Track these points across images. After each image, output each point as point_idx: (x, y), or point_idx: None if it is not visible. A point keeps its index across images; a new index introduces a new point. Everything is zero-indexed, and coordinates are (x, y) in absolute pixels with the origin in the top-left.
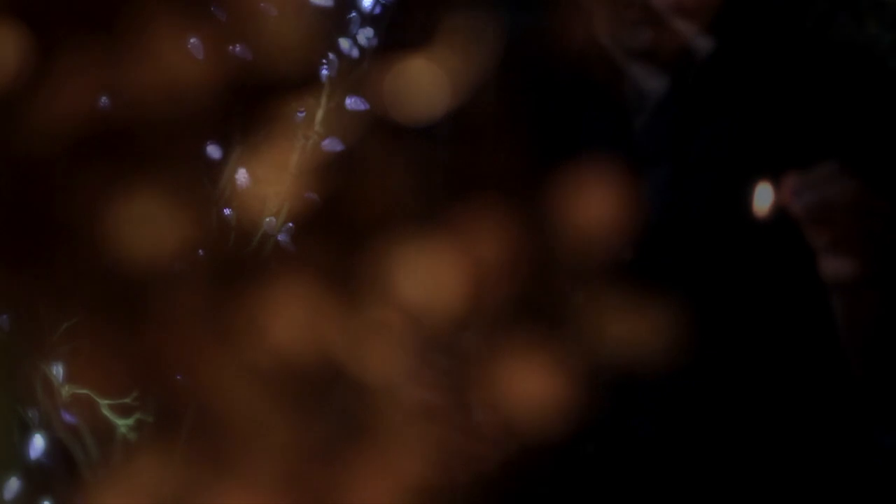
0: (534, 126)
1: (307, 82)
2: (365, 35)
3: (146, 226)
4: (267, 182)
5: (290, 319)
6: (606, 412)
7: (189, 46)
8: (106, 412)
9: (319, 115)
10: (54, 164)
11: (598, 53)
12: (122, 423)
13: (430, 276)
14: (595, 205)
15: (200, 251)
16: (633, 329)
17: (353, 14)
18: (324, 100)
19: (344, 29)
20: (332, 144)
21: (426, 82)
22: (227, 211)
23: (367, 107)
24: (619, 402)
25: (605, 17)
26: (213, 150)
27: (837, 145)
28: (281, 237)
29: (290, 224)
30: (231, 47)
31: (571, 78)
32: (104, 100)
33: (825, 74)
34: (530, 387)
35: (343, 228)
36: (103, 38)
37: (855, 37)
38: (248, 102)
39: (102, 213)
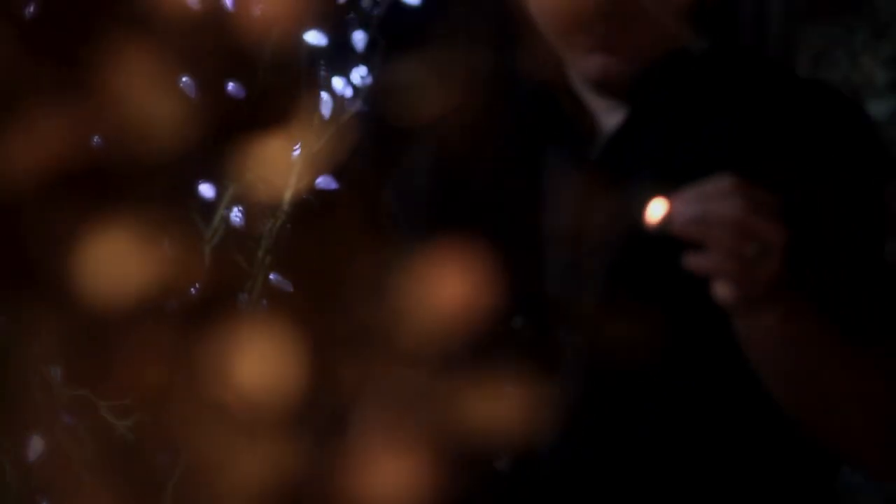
0: (495, 164)
1: (301, 121)
2: (359, 74)
3: (121, 265)
4: (261, 219)
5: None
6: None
7: (181, 85)
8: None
9: (313, 153)
10: (29, 203)
11: (563, 86)
12: (122, 424)
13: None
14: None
15: (186, 290)
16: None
17: (347, 53)
18: (318, 139)
19: (338, 68)
20: (325, 182)
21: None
22: (218, 247)
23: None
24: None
25: (562, 46)
26: (206, 189)
27: (788, 179)
28: (272, 276)
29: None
30: (223, 85)
31: (536, 112)
32: (83, 137)
33: (783, 108)
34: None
35: (326, 267)
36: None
37: (850, 74)
38: (242, 141)
39: (77, 251)
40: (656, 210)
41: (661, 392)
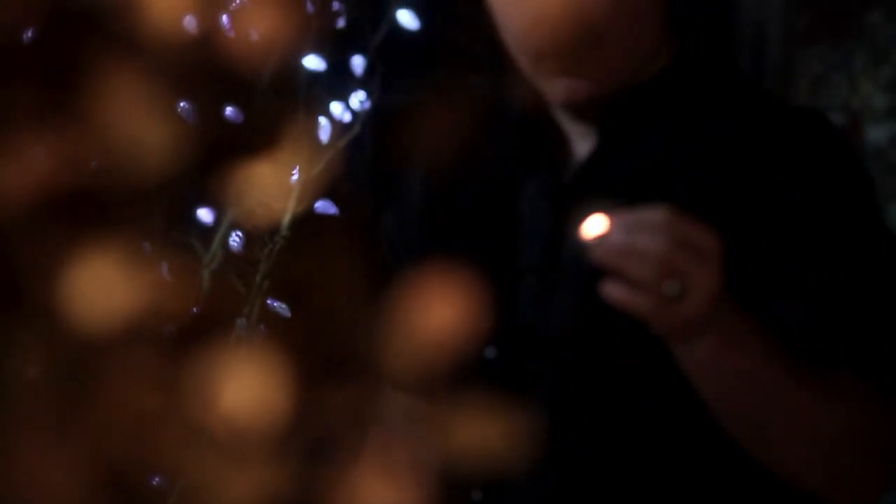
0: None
1: (299, 146)
2: (358, 99)
3: (112, 291)
4: (259, 243)
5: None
6: None
7: (179, 110)
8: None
9: (311, 178)
10: (19, 227)
11: (543, 112)
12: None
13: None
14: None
15: (183, 315)
16: (496, 429)
17: (346, 77)
18: (316, 163)
19: (336, 93)
20: (324, 207)
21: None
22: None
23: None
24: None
25: (531, 71)
26: (205, 214)
27: (755, 210)
28: (270, 301)
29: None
30: (221, 110)
31: (517, 139)
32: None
33: (758, 138)
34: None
35: (318, 292)
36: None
37: (849, 98)
38: (240, 166)
39: (67, 277)
40: (592, 227)
41: (632, 420)
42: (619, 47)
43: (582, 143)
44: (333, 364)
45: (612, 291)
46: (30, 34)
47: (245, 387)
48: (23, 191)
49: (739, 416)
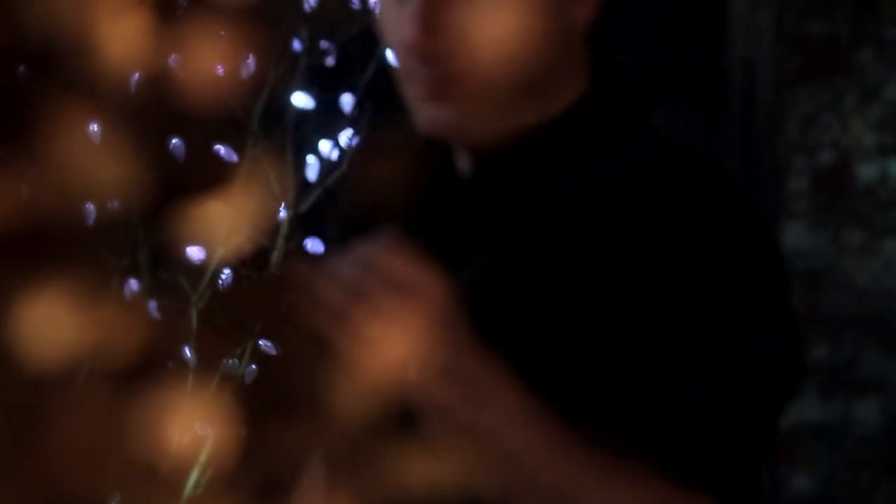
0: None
1: (286, 183)
2: (346, 136)
3: (58, 331)
4: (248, 281)
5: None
6: None
7: (171, 147)
8: None
9: (300, 216)
10: None
11: (435, 140)
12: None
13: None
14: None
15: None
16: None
17: (335, 115)
18: (304, 201)
19: (325, 130)
20: (314, 246)
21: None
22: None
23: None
24: None
25: (405, 96)
26: (194, 252)
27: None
28: (261, 341)
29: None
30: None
31: (418, 168)
32: (26, 200)
33: (646, 200)
34: None
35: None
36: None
37: (839, 137)
38: (227, 203)
39: (17, 317)
40: (313, 248)
41: None
42: (493, 73)
43: (466, 167)
44: (284, 401)
45: (318, 320)
46: None
47: (194, 424)
48: None
49: (499, 479)
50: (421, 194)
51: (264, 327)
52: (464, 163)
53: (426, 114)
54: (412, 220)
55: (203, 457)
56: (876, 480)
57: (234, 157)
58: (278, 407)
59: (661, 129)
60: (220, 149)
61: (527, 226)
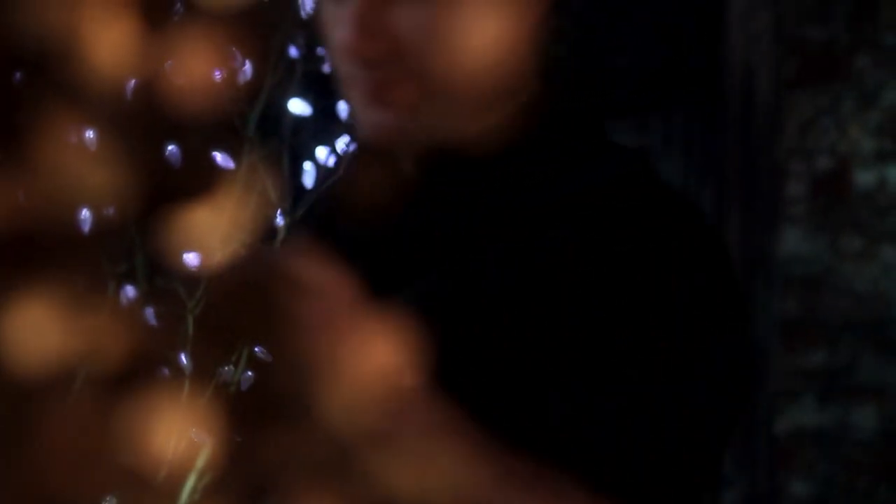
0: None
1: (284, 190)
2: (343, 142)
3: (40, 336)
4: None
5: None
6: None
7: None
8: None
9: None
10: None
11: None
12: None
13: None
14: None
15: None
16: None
17: (332, 122)
18: (301, 207)
19: (321, 136)
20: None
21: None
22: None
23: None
24: None
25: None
26: (190, 258)
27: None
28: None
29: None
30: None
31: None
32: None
33: (598, 218)
34: None
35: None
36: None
37: (837, 143)
38: (223, 210)
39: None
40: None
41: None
42: (435, 84)
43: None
44: (272, 406)
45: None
46: None
47: (190, 430)
48: None
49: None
50: (363, 201)
51: (251, 330)
52: (408, 170)
53: (366, 119)
54: (353, 228)
55: (199, 464)
56: (874, 485)
57: (231, 164)
58: (268, 412)
59: (614, 138)
60: (217, 155)
61: (468, 237)
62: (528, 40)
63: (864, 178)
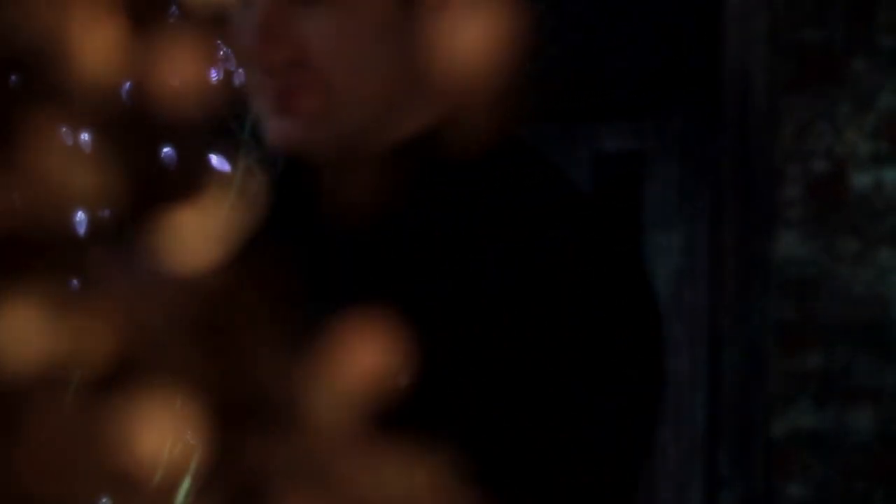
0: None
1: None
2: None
3: (24, 338)
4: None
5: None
6: None
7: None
8: None
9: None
10: None
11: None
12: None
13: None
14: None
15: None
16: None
17: None
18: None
19: None
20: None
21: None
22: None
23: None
24: None
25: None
26: (178, 260)
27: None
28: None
29: None
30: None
31: None
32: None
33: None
34: None
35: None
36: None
37: (833, 145)
38: (216, 210)
39: None
40: None
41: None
42: (340, 92)
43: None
44: (255, 409)
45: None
46: None
47: (180, 434)
48: None
49: None
50: (274, 211)
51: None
52: (328, 178)
53: (271, 127)
54: (265, 237)
55: (190, 468)
56: (870, 488)
57: (226, 166)
58: (253, 416)
59: (531, 149)
60: (212, 158)
61: (373, 255)
62: (438, 48)
63: (861, 180)
